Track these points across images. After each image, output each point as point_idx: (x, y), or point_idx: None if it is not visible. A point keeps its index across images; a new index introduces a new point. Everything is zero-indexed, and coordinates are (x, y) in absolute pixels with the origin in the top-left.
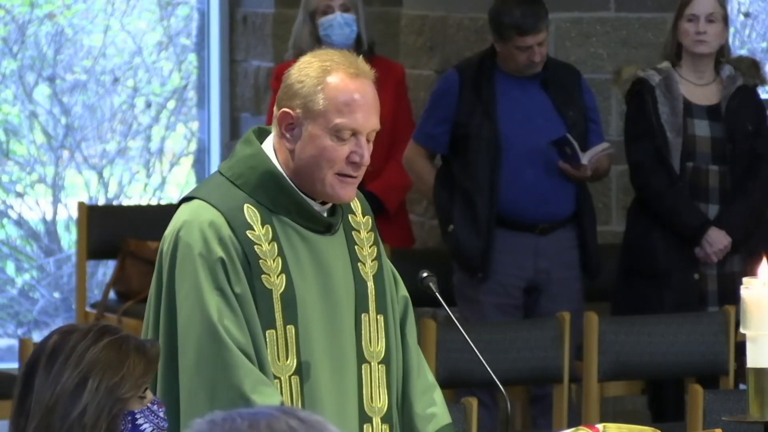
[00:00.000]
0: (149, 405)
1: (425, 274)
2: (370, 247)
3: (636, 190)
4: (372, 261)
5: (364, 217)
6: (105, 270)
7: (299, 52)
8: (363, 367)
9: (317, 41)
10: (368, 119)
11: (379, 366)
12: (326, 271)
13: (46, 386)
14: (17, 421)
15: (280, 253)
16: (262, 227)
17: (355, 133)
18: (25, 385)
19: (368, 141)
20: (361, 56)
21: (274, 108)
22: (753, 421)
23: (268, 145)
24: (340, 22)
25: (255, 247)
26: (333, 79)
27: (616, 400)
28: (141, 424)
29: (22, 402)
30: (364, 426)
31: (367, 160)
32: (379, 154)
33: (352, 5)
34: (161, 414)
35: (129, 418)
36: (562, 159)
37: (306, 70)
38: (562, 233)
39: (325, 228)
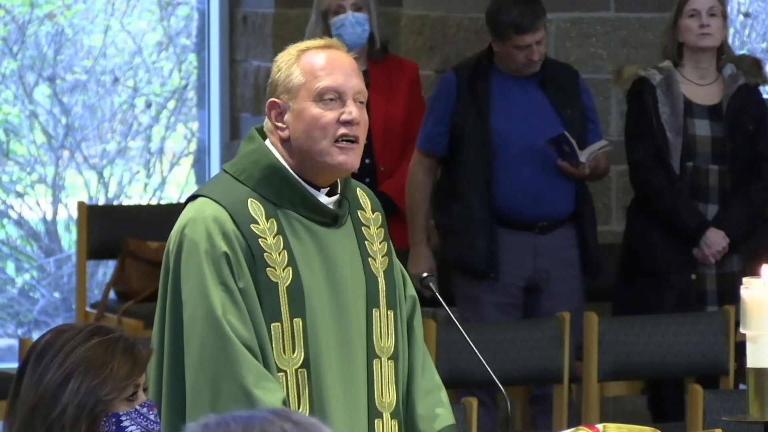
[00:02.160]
0: (138, 407)
1: (425, 274)
2: (380, 243)
3: (635, 190)
4: (382, 257)
5: (373, 213)
6: (105, 270)
7: None
8: (374, 362)
9: None
10: (348, 79)
11: (389, 362)
12: (333, 264)
13: (32, 384)
14: (8, 419)
15: (286, 246)
16: (267, 221)
17: (339, 96)
18: (16, 383)
19: (359, 103)
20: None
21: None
22: (753, 421)
23: (269, 143)
24: (351, 22)
25: (259, 240)
26: (305, 54)
27: (616, 400)
28: (126, 426)
29: (13, 400)
30: (375, 421)
31: (358, 117)
32: (392, 155)
33: (364, 4)
34: (152, 416)
35: (113, 419)
36: (560, 157)
37: (281, 58)
38: (561, 232)
39: (332, 220)
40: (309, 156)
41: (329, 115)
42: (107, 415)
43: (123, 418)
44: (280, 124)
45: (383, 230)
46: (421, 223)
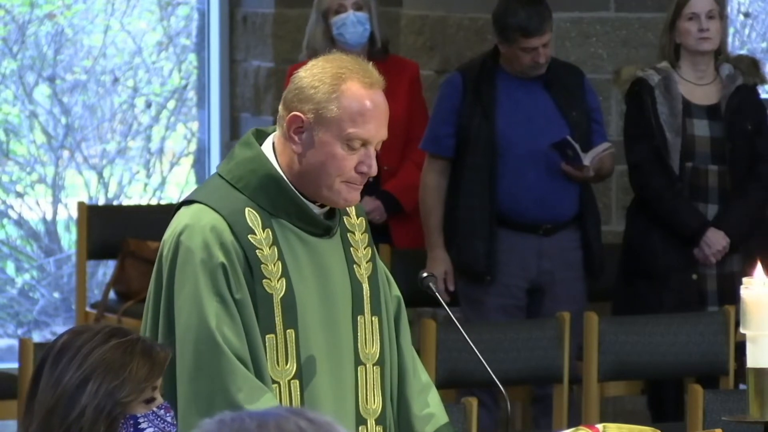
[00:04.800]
0: (155, 409)
1: (425, 274)
2: (364, 248)
3: (635, 191)
4: (367, 263)
5: (358, 218)
6: (105, 270)
7: (313, 53)
8: (359, 369)
9: (331, 41)
10: (379, 130)
11: (374, 368)
12: (325, 274)
13: (50, 386)
14: (24, 420)
15: (280, 257)
16: (263, 231)
17: (365, 143)
18: (33, 384)
19: (378, 144)
20: (371, 63)
21: (280, 108)
22: (753, 421)
23: (268, 147)
24: (353, 21)
25: (256, 251)
26: (348, 87)
27: (616, 400)
28: (144, 429)
29: (30, 400)
30: (359, 428)
31: (374, 170)
32: (394, 154)
33: (364, 4)
34: (168, 419)
35: (131, 421)
36: (564, 161)
37: (320, 75)
38: (565, 234)
39: (324, 231)
40: (315, 183)
41: (349, 160)
42: (125, 418)
43: (141, 420)
44: (296, 139)
45: (367, 235)
46: (435, 226)
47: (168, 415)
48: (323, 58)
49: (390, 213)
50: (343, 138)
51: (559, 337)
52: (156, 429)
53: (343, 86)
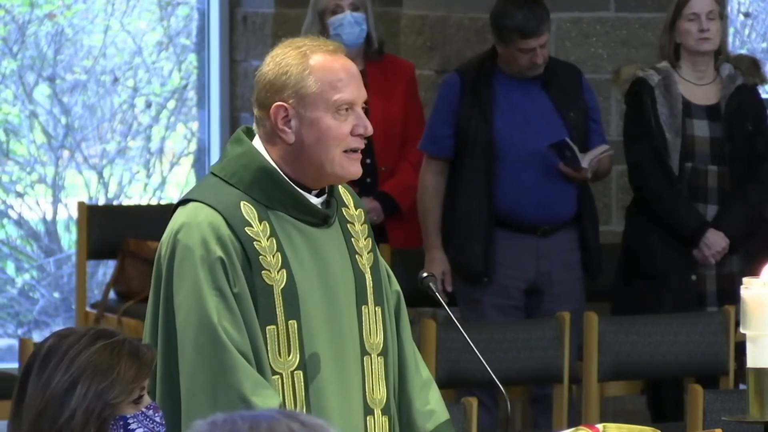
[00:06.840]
0: (144, 410)
1: (425, 274)
2: (365, 239)
3: (635, 191)
4: (368, 253)
5: (356, 209)
6: (105, 270)
7: None
8: (364, 359)
9: None
10: (359, 89)
11: (378, 358)
12: (325, 264)
13: (38, 390)
14: (13, 425)
15: (279, 248)
16: (260, 223)
17: (351, 106)
18: (20, 388)
19: (362, 108)
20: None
21: (255, 111)
22: (753, 421)
23: (258, 143)
24: (350, 21)
25: (254, 243)
26: (315, 60)
27: (616, 400)
28: (134, 429)
29: (18, 405)
30: (367, 418)
31: (370, 129)
32: (391, 154)
33: (361, 4)
34: (157, 419)
35: (121, 422)
36: (562, 162)
37: (284, 61)
38: (563, 234)
39: (322, 220)
40: (316, 163)
41: (344, 127)
42: (115, 419)
43: (130, 420)
44: (286, 129)
45: (367, 226)
46: (433, 227)
47: (157, 415)
48: (278, 47)
49: (387, 213)
50: (331, 107)
51: (559, 337)
52: (146, 429)
53: (310, 61)
